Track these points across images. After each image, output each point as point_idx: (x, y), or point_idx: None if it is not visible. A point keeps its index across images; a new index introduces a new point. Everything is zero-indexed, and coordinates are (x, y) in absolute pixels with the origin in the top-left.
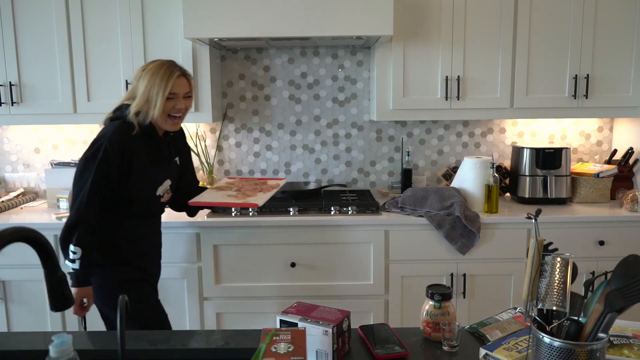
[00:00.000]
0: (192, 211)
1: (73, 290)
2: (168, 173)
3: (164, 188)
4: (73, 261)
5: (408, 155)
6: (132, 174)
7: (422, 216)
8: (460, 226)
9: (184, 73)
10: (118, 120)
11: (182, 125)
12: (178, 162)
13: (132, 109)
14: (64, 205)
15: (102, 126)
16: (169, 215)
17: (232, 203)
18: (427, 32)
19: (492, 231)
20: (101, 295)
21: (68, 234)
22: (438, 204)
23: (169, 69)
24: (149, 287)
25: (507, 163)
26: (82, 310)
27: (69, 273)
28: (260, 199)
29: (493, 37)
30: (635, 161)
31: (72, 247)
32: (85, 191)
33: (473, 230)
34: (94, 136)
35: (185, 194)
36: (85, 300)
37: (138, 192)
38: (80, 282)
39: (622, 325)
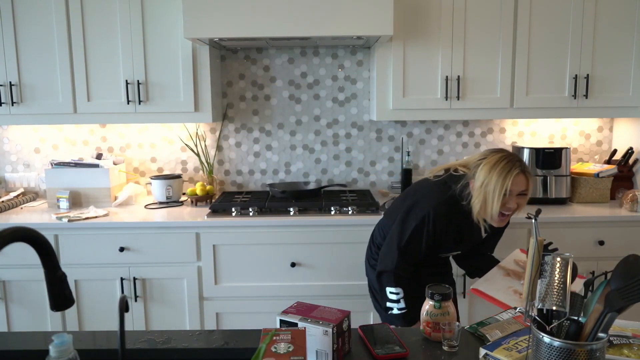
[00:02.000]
0: (472, 275)
1: None
2: (463, 249)
3: (450, 253)
4: (397, 301)
5: (408, 155)
6: (430, 246)
7: None
8: None
9: (523, 170)
10: (448, 192)
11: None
12: (483, 236)
13: (475, 204)
14: (64, 205)
15: (431, 177)
16: (169, 215)
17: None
18: (427, 32)
19: None
20: None
21: (384, 279)
22: None
23: (507, 165)
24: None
25: None
26: None
27: (395, 315)
28: None
29: (493, 37)
30: (635, 161)
31: (392, 289)
32: (411, 252)
33: None
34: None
35: (477, 258)
36: None
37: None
38: (411, 321)
39: (622, 325)
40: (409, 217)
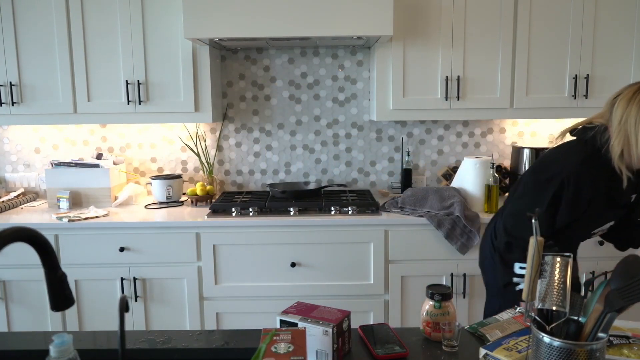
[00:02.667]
0: (624, 247)
1: None
2: (615, 215)
3: (602, 229)
4: (522, 276)
5: (408, 155)
6: (580, 216)
7: (422, 216)
8: (460, 226)
9: None
10: (586, 148)
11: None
12: (632, 199)
13: (615, 147)
14: (64, 205)
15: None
16: (169, 215)
17: None
18: (427, 32)
19: None
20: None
21: (512, 250)
22: (438, 203)
23: None
24: None
25: (507, 163)
26: None
27: (518, 291)
28: None
29: (493, 37)
30: None
31: (520, 264)
32: (545, 226)
33: (473, 230)
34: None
35: (632, 227)
36: None
37: (571, 231)
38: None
39: (622, 325)
40: (541, 184)
